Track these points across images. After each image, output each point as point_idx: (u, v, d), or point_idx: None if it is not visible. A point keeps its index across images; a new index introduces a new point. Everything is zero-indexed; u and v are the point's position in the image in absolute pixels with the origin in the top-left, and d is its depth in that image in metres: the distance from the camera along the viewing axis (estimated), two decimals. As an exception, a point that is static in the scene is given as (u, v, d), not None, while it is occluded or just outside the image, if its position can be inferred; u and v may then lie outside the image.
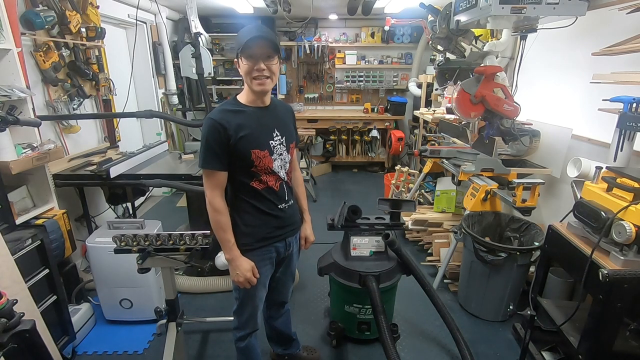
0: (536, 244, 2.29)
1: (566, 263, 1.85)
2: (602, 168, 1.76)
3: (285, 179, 1.57)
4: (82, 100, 2.83)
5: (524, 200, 2.30)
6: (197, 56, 2.49)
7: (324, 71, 5.82)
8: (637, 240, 1.43)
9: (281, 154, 1.52)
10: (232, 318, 1.68)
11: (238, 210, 1.52)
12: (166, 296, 1.82)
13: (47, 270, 1.96)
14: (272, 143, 1.48)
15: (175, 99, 4.82)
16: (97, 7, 2.95)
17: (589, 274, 1.55)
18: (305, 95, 5.98)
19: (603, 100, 1.91)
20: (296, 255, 1.78)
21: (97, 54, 3.03)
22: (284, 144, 1.52)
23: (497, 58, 2.95)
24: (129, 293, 2.29)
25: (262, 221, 1.53)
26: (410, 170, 3.97)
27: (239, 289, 1.56)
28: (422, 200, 3.90)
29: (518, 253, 2.23)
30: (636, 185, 1.51)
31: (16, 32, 2.12)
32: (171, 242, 1.67)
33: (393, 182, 4.06)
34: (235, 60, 1.42)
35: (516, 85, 2.81)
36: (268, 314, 1.91)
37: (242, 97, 1.48)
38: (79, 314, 2.25)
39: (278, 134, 1.50)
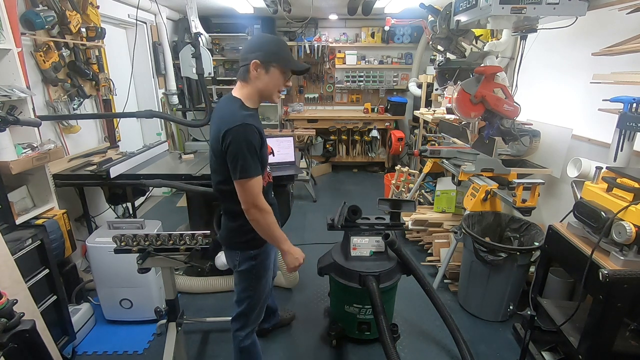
0: (536, 244, 2.30)
1: (566, 263, 1.85)
2: (602, 168, 1.76)
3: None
4: (82, 100, 2.83)
5: (524, 201, 2.30)
6: (197, 56, 2.49)
7: (324, 71, 5.82)
8: (637, 240, 1.43)
9: None
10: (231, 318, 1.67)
11: None
12: (166, 296, 1.82)
13: (47, 270, 1.96)
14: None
15: (175, 99, 4.82)
16: (97, 7, 2.95)
17: (589, 274, 1.55)
18: (305, 95, 5.98)
19: (603, 100, 1.91)
20: None
21: (97, 54, 3.03)
22: None
23: (497, 58, 2.96)
24: (129, 293, 2.29)
25: None
26: (410, 170, 3.97)
27: (255, 288, 1.62)
28: (422, 200, 3.90)
29: (518, 253, 2.23)
30: (636, 185, 1.51)
31: (16, 32, 2.12)
32: (171, 242, 1.67)
33: (393, 182, 4.06)
34: (261, 64, 1.39)
35: (516, 85, 2.81)
36: None
37: (249, 101, 1.46)
38: (79, 314, 2.25)
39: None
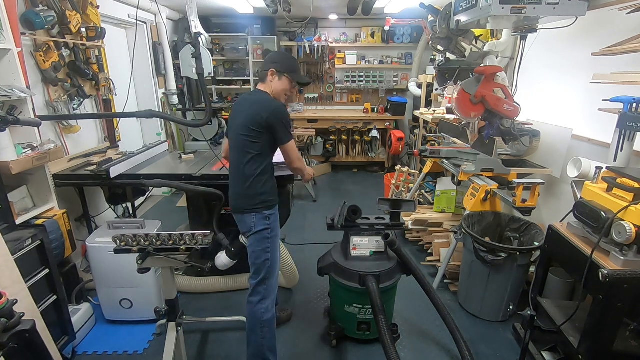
0: (536, 244, 2.29)
1: (566, 263, 1.85)
2: (602, 168, 1.76)
3: None
4: (82, 100, 2.83)
5: (524, 201, 2.30)
6: (197, 56, 2.48)
7: (324, 71, 5.82)
8: (637, 240, 1.43)
9: None
10: (232, 318, 1.68)
11: (268, 176, 1.82)
12: (166, 296, 1.82)
13: (47, 270, 1.96)
14: None
15: (175, 99, 4.82)
16: (97, 7, 2.95)
17: (589, 274, 1.55)
18: (305, 95, 5.98)
19: (603, 100, 1.91)
20: None
21: (97, 54, 3.03)
22: None
23: (497, 58, 2.96)
24: (129, 293, 2.29)
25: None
26: (410, 170, 3.97)
27: (272, 249, 1.82)
28: (422, 200, 3.90)
29: (518, 253, 2.23)
30: (636, 185, 1.51)
31: (16, 32, 2.12)
32: (171, 242, 1.67)
33: (393, 182, 4.06)
34: (276, 72, 1.80)
35: (516, 85, 2.81)
36: None
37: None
38: (79, 314, 2.25)
39: None
